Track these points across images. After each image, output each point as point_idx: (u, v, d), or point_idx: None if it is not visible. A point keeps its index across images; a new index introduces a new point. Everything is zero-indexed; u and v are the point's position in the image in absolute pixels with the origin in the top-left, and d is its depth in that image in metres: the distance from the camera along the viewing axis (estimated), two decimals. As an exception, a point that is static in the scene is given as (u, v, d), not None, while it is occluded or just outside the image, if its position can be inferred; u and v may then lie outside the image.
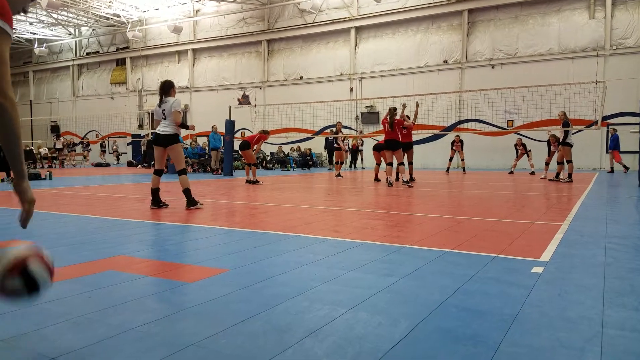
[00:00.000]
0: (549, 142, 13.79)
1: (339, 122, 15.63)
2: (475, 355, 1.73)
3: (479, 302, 2.33)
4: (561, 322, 2.06)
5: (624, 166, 16.48)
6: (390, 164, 10.52)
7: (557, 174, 12.09)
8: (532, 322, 2.07)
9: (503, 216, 5.47)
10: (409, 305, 2.30)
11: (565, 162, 11.72)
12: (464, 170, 17.45)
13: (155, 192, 6.30)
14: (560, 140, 11.69)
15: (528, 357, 1.72)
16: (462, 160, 17.22)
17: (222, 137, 16.63)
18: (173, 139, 6.24)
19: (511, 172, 15.93)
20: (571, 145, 11.58)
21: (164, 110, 6.24)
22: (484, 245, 3.73)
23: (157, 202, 6.30)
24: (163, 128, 6.25)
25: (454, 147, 17.15)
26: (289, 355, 1.73)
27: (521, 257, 3.32)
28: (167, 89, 6.32)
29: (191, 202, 6.20)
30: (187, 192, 6.25)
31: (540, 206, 6.47)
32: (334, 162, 15.27)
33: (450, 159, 17.35)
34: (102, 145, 29.02)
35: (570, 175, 11.52)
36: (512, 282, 2.69)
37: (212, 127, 17.23)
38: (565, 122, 11.56)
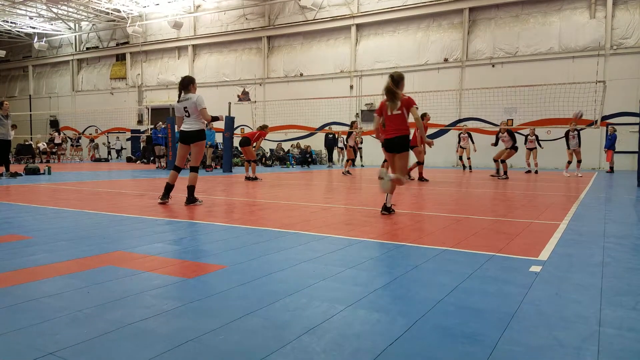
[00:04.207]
0: (567, 135, 13.75)
1: (354, 122, 15.57)
2: (473, 354, 1.73)
3: (477, 300, 2.34)
4: (559, 321, 2.06)
5: (611, 167, 16.47)
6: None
7: (536, 171, 13.48)
8: (529, 320, 2.07)
9: (502, 215, 5.48)
10: (407, 303, 2.31)
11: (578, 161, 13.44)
12: (469, 168, 16.62)
13: (169, 187, 6.31)
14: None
15: (525, 355, 1.72)
16: (469, 158, 16.50)
17: (214, 133, 16.61)
18: (199, 135, 6.21)
19: (529, 172, 15.08)
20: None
21: (186, 107, 6.15)
22: (483, 244, 3.73)
23: (166, 197, 6.33)
24: (189, 125, 6.19)
25: (461, 144, 16.34)
26: (287, 351, 1.73)
27: (519, 256, 3.33)
28: (186, 84, 6.23)
29: (191, 200, 6.20)
30: (191, 189, 6.22)
31: (539, 205, 6.48)
32: (346, 159, 14.68)
33: (461, 157, 16.82)
34: (92, 141, 28.95)
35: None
36: (510, 280, 2.70)
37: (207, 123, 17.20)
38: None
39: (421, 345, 1.81)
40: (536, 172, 14.99)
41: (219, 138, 19.31)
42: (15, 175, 11.50)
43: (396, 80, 5.40)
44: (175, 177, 6.36)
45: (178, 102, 6.27)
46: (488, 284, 2.61)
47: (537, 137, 15.19)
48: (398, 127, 5.41)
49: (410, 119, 5.50)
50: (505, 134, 13.42)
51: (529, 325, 2.01)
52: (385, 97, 5.46)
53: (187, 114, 6.21)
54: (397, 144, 5.42)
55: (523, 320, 2.07)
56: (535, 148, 15.06)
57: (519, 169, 17.61)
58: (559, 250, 3.50)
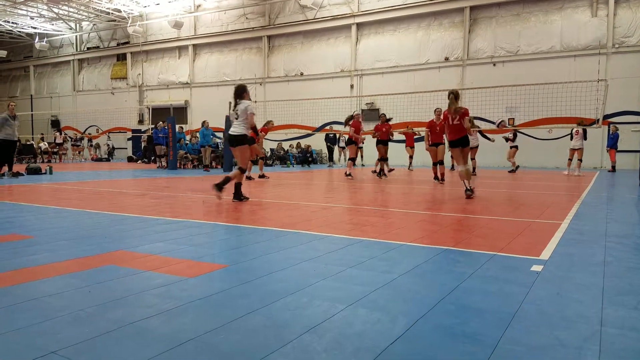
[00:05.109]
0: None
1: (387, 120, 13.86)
2: (474, 353, 1.73)
3: (478, 300, 2.33)
4: (560, 321, 2.06)
5: (613, 167, 16.54)
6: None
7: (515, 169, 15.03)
8: (531, 320, 2.07)
9: (503, 214, 5.47)
10: (408, 303, 2.31)
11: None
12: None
13: (237, 186, 6.71)
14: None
15: (526, 355, 1.72)
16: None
17: (212, 133, 16.45)
18: (241, 139, 6.61)
19: (513, 171, 15.50)
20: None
21: (237, 110, 6.62)
22: (484, 243, 3.73)
23: (239, 196, 6.68)
24: (234, 128, 6.65)
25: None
26: (288, 350, 1.73)
27: (521, 255, 3.32)
28: (240, 92, 6.70)
29: (237, 195, 6.61)
30: (237, 185, 6.66)
31: (540, 204, 6.47)
32: (379, 157, 13.08)
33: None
34: (90, 141, 29.19)
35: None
36: (511, 280, 2.69)
37: (203, 122, 17.07)
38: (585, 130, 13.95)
39: (422, 344, 1.80)
40: (514, 170, 15.44)
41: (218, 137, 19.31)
42: (17, 175, 11.52)
43: (457, 96, 7.23)
44: (241, 176, 6.85)
45: (233, 109, 6.71)
46: (489, 284, 2.61)
47: (515, 135, 15.68)
48: (459, 132, 7.25)
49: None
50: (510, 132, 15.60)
51: (530, 325, 2.01)
52: (449, 109, 7.25)
53: (236, 116, 6.64)
54: (461, 142, 7.30)
55: (524, 320, 2.06)
56: (513, 147, 15.54)
57: (527, 168, 17.58)
58: (561, 250, 3.49)
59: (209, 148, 16.71)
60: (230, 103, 7.41)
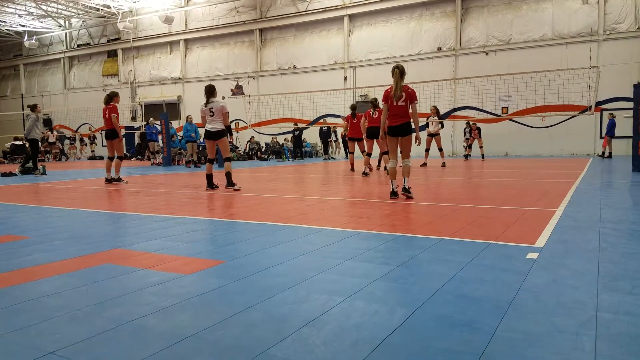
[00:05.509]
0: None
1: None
2: (471, 341, 1.74)
3: (474, 288, 2.35)
4: (556, 307, 2.08)
5: (603, 153, 16.81)
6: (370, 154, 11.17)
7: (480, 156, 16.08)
8: (527, 307, 2.09)
9: (498, 203, 5.49)
10: (405, 293, 2.32)
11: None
12: (482, 157, 16.98)
13: (209, 177, 7.53)
14: None
15: (523, 342, 1.74)
16: (481, 147, 16.67)
17: (196, 129, 16.16)
18: (222, 133, 7.50)
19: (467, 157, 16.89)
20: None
21: (211, 108, 7.39)
22: (479, 232, 3.75)
23: (211, 185, 7.50)
24: (214, 125, 7.44)
25: (472, 135, 16.76)
26: (287, 344, 1.74)
27: (516, 243, 3.34)
28: (212, 91, 7.49)
29: (230, 183, 7.37)
30: (228, 175, 7.46)
31: (535, 192, 6.50)
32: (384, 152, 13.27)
33: (470, 146, 17.08)
34: (81, 140, 29.02)
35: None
36: (507, 268, 2.71)
37: (187, 117, 16.91)
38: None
39: (420, 334, 1.82)
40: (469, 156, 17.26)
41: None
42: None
43: (403, 72, 5.93)
44: (211, 167, 7.69)
45: (205, 105, 7.44)
46: (485, 272, 2.63)
47: (479, 129, 16.89)
48: (402, 117, 5.96)
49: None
50: (475, 131, 16.57)
51: (527, 312, 2.03)
52: (393, 88, 5.91)
53: (211, 114, 7.38)
54: (403, 129, 5.96)
55: (521, 308, 2.08)
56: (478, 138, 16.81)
57: (494, 156, 17.65)
58: (556, 237, 3.52)
59: (194, 144, 16.48)
60: (223, 98, 7.73)
